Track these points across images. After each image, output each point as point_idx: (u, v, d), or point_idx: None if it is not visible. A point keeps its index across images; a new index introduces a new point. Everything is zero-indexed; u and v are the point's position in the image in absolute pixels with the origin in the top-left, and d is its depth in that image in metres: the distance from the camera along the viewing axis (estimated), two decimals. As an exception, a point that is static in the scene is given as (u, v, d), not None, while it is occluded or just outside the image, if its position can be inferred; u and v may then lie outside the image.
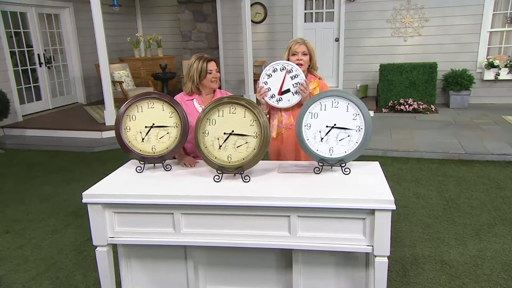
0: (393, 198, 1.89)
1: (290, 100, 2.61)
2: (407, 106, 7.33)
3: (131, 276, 2.41)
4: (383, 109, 7.51)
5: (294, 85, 2.57)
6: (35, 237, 3.51)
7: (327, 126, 2.21)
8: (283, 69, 2.58)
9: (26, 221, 3.82)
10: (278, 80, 2.59)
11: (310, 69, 2.72)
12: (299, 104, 2.58)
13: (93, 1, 6.01)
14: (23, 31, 7.46)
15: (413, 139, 5.73)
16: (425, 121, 6.69)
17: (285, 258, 2.25)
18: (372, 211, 1.90)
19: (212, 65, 2.54)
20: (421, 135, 5.89)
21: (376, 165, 2.37)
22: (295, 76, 2.56)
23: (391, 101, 7.48)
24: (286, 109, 2.67)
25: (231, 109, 2.18)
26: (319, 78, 2.74)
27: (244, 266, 2.34)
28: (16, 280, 2.90)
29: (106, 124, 6.59)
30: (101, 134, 6.48)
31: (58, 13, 8.12)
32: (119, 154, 5.44)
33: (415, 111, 7.28)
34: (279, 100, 2.62)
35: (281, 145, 2.75)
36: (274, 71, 2.59)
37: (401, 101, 7.40)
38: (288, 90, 2.59)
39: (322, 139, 2.22)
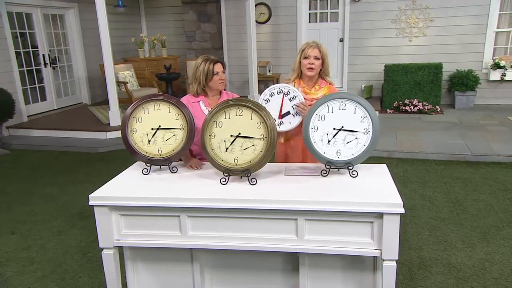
0: (401, 202, 1.87)
1: (291, 122, 2.57)
2: (412, 107, 7.30)
3: (137, 279, 2.40)
4: (387, 110, 7.49)
5: (294, 106, 2.54)
6: (40, 238, 3.51)
7: (334, 129, 2.19)
8: (280, 92, 2.55)
9: (31, 222, 3.82)
10: (277, 103, 2.56)
11: (321, 74, 2.68)
12: None
13: (98, 2, 6.02)
14: (29, 32, 7.48)
15: (419, 140, 5.70)
16: (430, 122, 6.65)
17: (292, 261, 2.23)
18: (380, 215, 1.89)
19: (218, 67, 2.53)
20: (427, 136, 5.85)
21: (383, 167, 2.35)
22: (293, 98, 2.53)
23: (396, 102, 7.46)
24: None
25: (238, 111, 2.17)
26: (330, 84, 2.71)
27: (250, 269, 2.33)
28: (22, 281, 2.90)
29: (111, 125, 6.60)
30: (106, 135, 6.48)
31: (63, 14, 8.14)
32: (124, 154, 5.43)
33: (420, 111, 7.24)
34: (280, 123, 2.58)
35: (288, 150, 2.73)
36: (271, 95, 2.57)
37: (406, 101, 7.37)
38: (288, 113, 2.57)
39: (329, 141, 2.20)
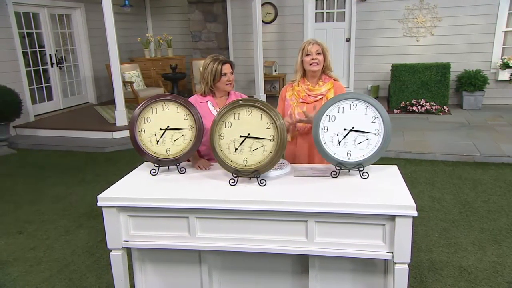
0: (414, 204, 1.84)
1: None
2: (419, 107, 7.24)
3: (145, 280, 2.38)
4: (394, 110, 7.43)
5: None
6: (47, 238, 3.51)
7: (345, 129, 2.16)
8: None
9: (38, 222, 3.82)
10: None
11: (324, 70, 2.67)
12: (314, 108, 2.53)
13: (104, 2, 6.02)
14: (35, 32, 7.51)
15: (426, 140, 5.64)
16: (438, 122, 6.59)
17: (301, 263, 2.21)
18: (392, 217, 1.85)
19: (226, 68, 2.50)
20: (434, 136, 5.80)
21: (394, 169, 2.32)
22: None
23: (403, 102, 7.40)
24: (299, 113, 2.61)
25: (247, 111, 2.15)
26: (333, 79, 2.69)
27: (259, 271, 2.30)
28: (29, 281, 2.90)
29: (117, 125, 6.60)
30: (112, 135, 6.49)
31: (69, 14, 8.16)
32: (130, 154, 5.46)
33: (427, 112, 7.18)
34: None
35: (295, 148, 2.71)
36: None
37: (413, 102, 7.31)
38: None
39: (339, 142, 2.17)
